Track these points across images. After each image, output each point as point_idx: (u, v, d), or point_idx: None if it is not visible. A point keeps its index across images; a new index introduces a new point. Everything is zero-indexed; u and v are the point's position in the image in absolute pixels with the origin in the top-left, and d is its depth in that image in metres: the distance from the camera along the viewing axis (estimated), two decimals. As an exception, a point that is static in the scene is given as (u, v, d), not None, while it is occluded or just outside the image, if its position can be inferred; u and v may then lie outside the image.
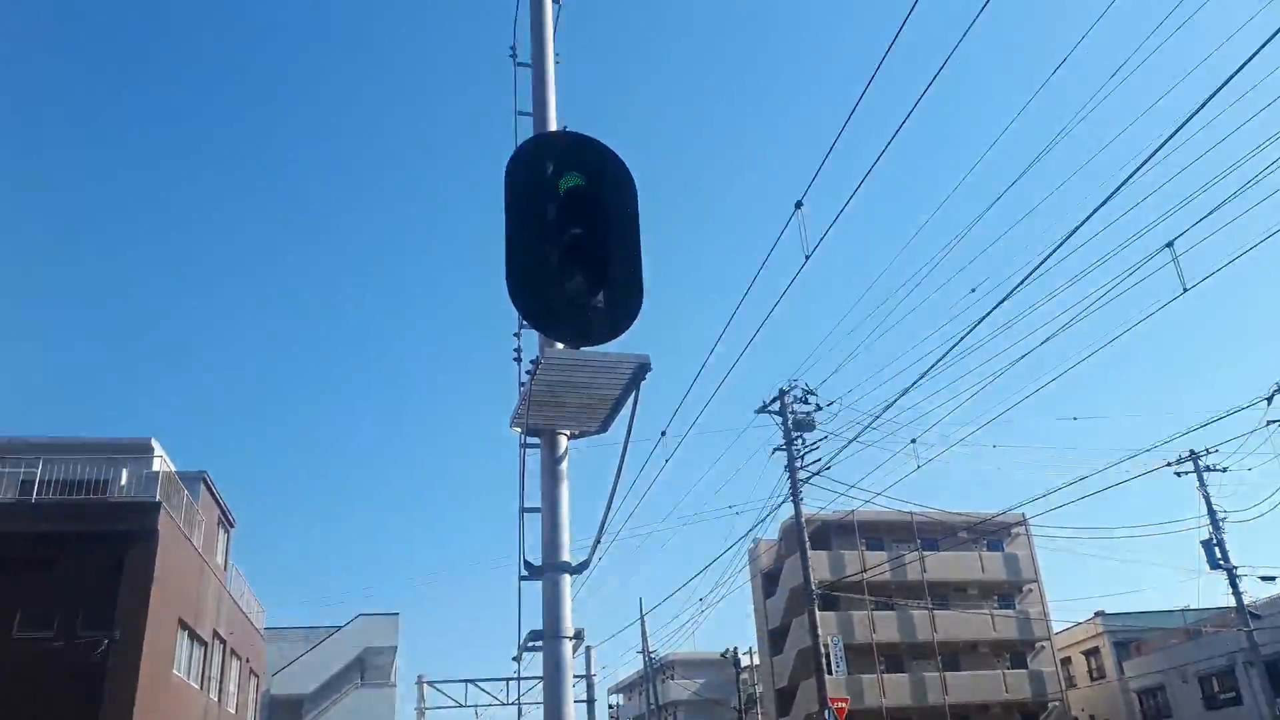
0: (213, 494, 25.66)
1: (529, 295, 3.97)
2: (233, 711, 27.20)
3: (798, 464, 26.26)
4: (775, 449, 26.99)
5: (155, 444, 21.97)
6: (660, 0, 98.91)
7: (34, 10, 76.03)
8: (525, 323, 4.24)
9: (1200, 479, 32.98)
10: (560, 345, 4.07)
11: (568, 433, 4.26)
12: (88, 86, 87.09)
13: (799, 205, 7.62)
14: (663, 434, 16.21)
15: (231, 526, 28.24)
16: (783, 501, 26.58)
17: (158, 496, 19.83)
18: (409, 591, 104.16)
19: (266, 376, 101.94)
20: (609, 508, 4.26)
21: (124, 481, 20.84)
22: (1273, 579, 31.98)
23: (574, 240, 3.99)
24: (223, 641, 25.43)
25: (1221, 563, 32.24)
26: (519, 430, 4.21)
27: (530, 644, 3.96)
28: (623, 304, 4.09)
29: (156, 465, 21.41)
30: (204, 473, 24.71)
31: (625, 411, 4.15)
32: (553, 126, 4.50)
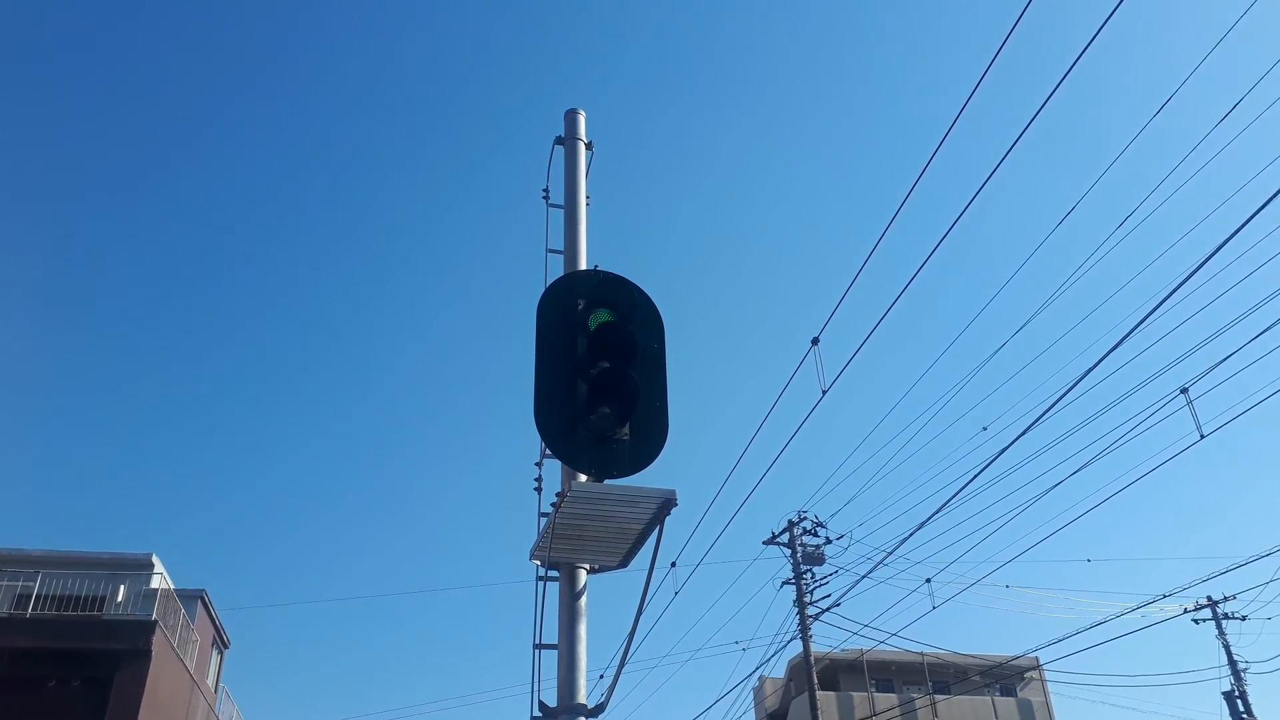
0: (209, 613, 25.18)
1: (556, 426, 4.02)
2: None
3: (807, 599, 25.70)
4: (784, 582, 26.47)
5: (156, 560, 21.69)
6: (686, 145, 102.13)
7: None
8: (549, 453, 4.26)
9: (1219, 627, 32.12)
10: (583, 478, 4.08)
11: (588, 567, 4.23)
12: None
13: (815, 341, 7.70)
14: (673, 565, 15.95)
15: (226, 647, 27.60)
16: (791, 639, 25.91)
17: (154, 615, 19.45)
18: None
19: (277, 497, 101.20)
20: (629, 646, 4.18)
21: (121, 598, 20.47)
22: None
23: (603, 374, 4.06)
24: (207, 770, 24.45)
25: (1245, 716, 31.09)
26: (539, 562, 4.17)
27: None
28: (647, 439, 4.13)
29: (155, 582, 21.06)
30: (203, 591, 24.30)
31: (647, 547, 4.13)
32: (583, 265, 4.63)
